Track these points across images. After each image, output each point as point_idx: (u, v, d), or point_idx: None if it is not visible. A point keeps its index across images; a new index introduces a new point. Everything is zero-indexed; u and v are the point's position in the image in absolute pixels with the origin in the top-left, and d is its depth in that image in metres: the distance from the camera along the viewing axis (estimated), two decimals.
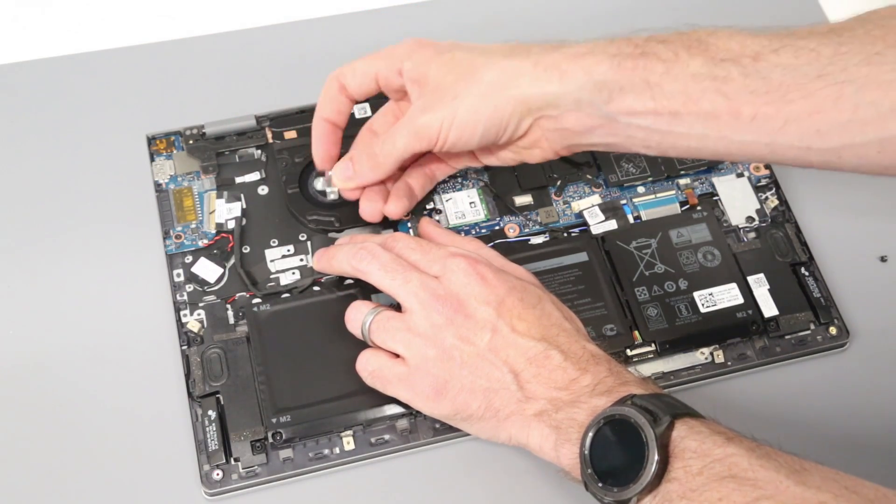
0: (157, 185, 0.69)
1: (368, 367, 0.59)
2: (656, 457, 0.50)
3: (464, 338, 0.57)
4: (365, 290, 0.63)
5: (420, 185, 0.66)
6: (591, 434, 0.52)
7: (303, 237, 0.67)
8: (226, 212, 0.67)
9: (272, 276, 0.66)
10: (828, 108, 0.53)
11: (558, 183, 0.69)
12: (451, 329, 0.57)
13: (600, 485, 0.52)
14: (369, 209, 0.64)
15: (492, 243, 0.67)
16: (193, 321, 0.64)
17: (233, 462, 0.59)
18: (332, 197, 0.67)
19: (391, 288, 0.59)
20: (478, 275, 0.58)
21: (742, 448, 0.50)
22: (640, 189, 0.70)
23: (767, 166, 0.70)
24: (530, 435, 0.56)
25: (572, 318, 0.60)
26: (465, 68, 0.58)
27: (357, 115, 0.71)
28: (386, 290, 0.59)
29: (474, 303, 0.57)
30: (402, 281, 0.59)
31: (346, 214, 0.66)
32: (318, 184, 0.67)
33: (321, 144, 0.64)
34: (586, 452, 0.52)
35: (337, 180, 0.64)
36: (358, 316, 0.60)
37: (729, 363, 0.64)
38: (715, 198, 0.69)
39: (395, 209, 0.64)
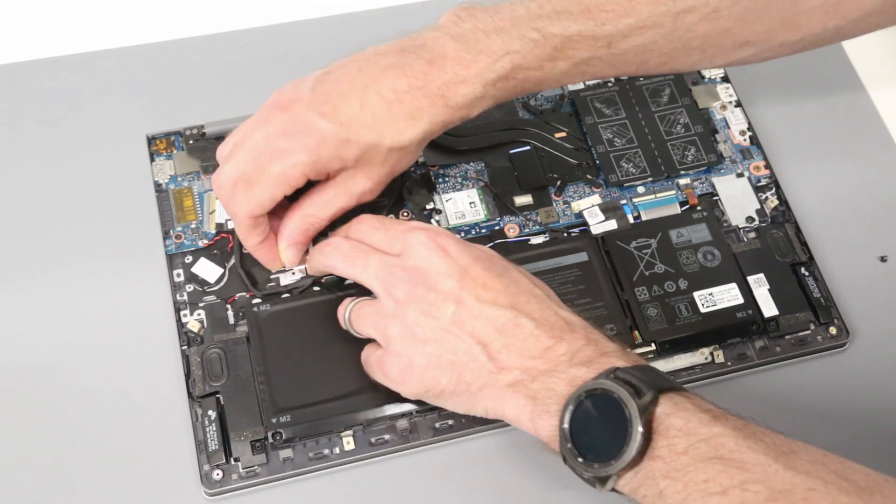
0: (157, 185, 0.69)
1: (363, 357, 0.60)
2: (640, 433, 0.49)
3: (426, 312, 0.56)
4: (364, 288, 0.63)
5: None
6: (570, 407, 0.51)
7: None
8: (226, 212, 0.67)
9: (272, 276, 0.65)
10: (678, 57, 0.62)
11: (558, 183, 0.69)
12: (413, 304, 0.56)
13: (580, 460, 0.51)
14: (272, 257, 0.64)
15: (492, 243, 0.67)
16: (193, 321, 0.64)
17: (233, 462, 0.59)
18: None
19: (355, 276, 0.59)
20: (438, 247, 0.57)
21: (728, 427, 0.49)
22: (640, 189, 0.70)
23: (767, 166, 0.71)
24: (506, 406, 0.54)
25: (542, 285, 0.59)
26: (370, 146, 0.59)
27: None
28: (353, 279, 0.60)
29: (435, 276, 0.56)
30: (363, 266, 0.59)
31: (346, 214, 0.66)
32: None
33: (272, 255, 0.64)
34: (566, 427, 0.51)
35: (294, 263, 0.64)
36: (341, 310, 0.61)
37: (729, 363, 0.64)
38: (715, 198, 0.69)
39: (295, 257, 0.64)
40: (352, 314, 0.60)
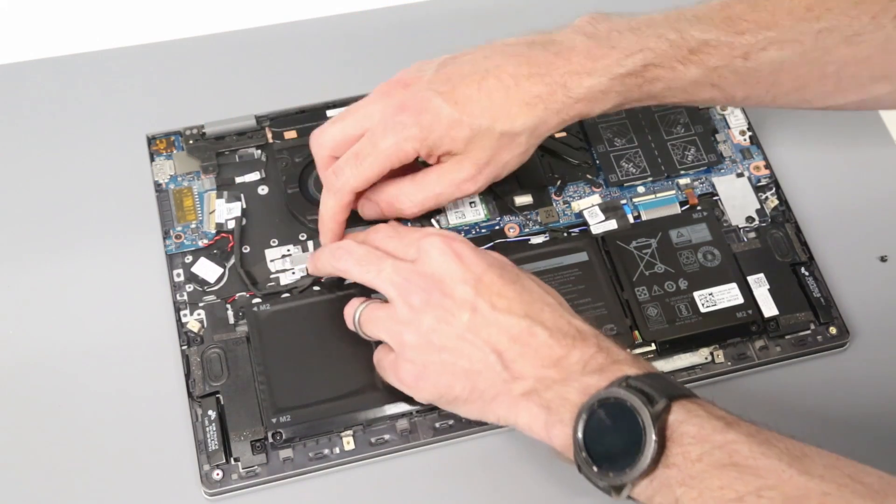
0: (157, 185, 0.69)
1: (375, 359, 0.60)
2: (654, 441, 0.49)
3: (442, 319, 0.56)
4: (364, 289, 0.63)
5: None
6: (584, 417, 0.51)
7: (303, 237, 0.67)
8: (226, 212, 0.67)
9: (272, 276, 0.66)
10: (813, 84, 0.61)
11: (558, 183, 0.69)
12: (429, 310, 0.56)
13: (595, 469, 0.51)
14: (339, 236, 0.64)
15: (492, 243, 0.67)
16: (193, 321, 0.64)
17: (233, 462, 0.59)
18: None
19: (368, 281, 0.59)
20: (454, 253, 0.57)
21: (742, 434, 0.49)
22: (640, 189, 0.70)
23: (767, 166, 0.71)
24: (519, 415, 0.54)
25: (554, 293, 0.58)
26: (482, 130, 0.60)
27: None
28: (365, 283, 0.60)
29: (451, 282, 0.56)
30: (376, 272, 0.58)
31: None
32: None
33: (341, 234, 0.64)
34: (580, 436, 0.51)
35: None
36: (350, 311, 0.61)
37: (729, 363, 0.64)
38: (715, 198, 0.69)
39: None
40: (362, 317, 0.59)
